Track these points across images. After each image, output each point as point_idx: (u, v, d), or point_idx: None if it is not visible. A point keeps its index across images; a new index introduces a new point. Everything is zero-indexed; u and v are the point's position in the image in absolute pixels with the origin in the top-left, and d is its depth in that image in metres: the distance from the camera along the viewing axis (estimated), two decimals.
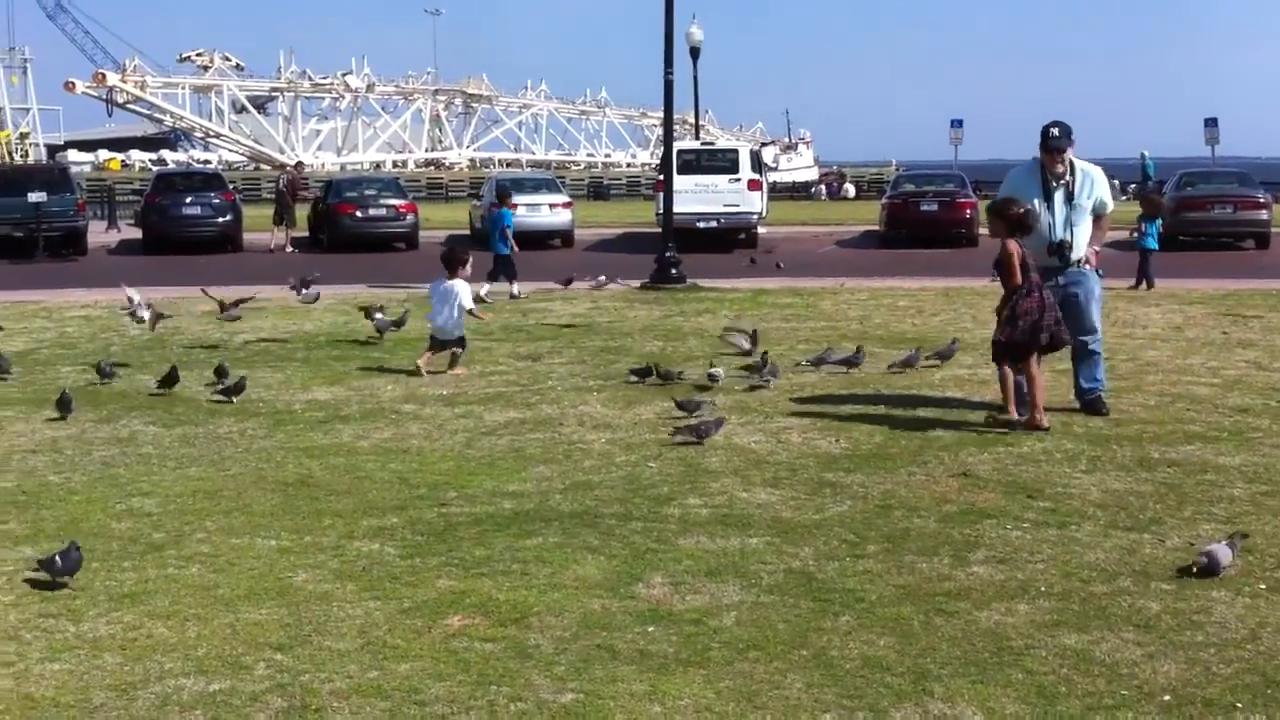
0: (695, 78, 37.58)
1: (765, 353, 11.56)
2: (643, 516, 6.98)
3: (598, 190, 53.03)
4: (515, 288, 18.67)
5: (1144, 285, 18.70)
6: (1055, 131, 9.40)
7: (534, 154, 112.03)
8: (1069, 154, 9.48)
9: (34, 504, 7.38)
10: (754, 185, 28.57)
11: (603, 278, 19.24)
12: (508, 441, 8.93)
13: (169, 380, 10.83)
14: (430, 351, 11.98)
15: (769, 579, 5.93)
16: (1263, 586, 5.69)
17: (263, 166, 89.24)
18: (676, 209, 27.29)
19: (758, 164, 30.34)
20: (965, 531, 6.61)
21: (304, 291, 15.66)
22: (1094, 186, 9.49)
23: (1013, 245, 8.95)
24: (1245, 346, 12.75)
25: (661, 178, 28.50)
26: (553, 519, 6.95)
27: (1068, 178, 9.43)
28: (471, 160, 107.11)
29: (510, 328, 15.03)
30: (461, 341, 12.11)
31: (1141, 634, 5.18)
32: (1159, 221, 20.33)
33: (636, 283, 19.70)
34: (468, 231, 33.78)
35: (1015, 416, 8.99)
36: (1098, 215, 9.53)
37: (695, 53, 35.77)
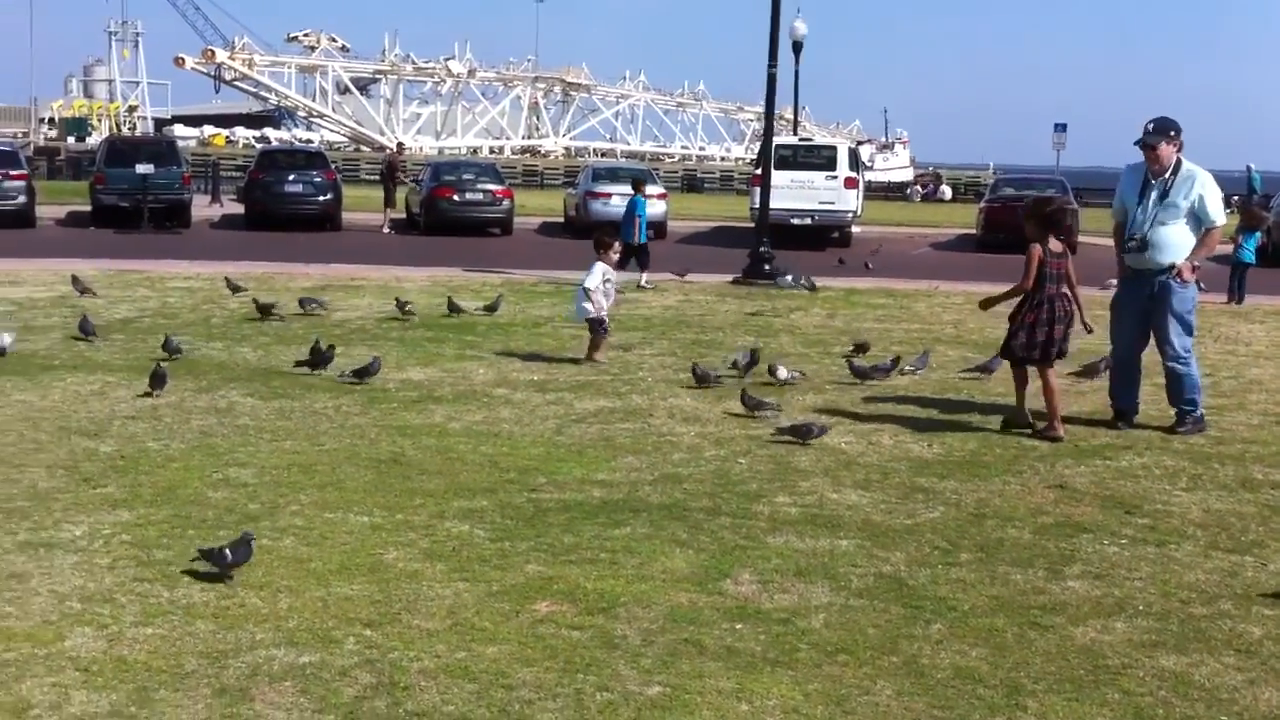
0: (796, 73, 37.40)
1: (897, 357, 11.49)
2: (731, 512, 6.95)
3: (692, 183, 52.96)
4: (644, 277, 18.91)
5: (1236, 299, 18.22)
6: (1150, 127, 9.17)
7: (629, 144, 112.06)
8: (1166, 151, 9.12)
9: (132, 469, 7.52)
10: (850, 183, 28.33)
11: (789, 277, 18.83)
12: (597, 430, 8.93)
13: (318, 360, 10.70)
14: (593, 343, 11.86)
15: (859, 582, 5.87)
16: None
17: (362, 148, 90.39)
18: (772, 205, 27.20)
19: (855, 162, 30.08)
20: (1061, 545, 6.49)
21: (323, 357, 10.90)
22: (1193, 188, 9.10)
23: (1037, 249, 8.82)
24: None
25: (758, 172, 28.43)
26: (641, 510, 6.94)
27: (1167, 176, 9.16)
28: (566, 149, 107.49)
29: None
30: (596, 326, 11.85)
31: (1243, 659, 5.04)
32: (1258, 235, 19.83)
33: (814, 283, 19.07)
34: (561, 219, 33.92)
35: (1061, 432, 8.88)
36: (1206, 229, 9.18)
37: (798, 48, 35.57)
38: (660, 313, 15.64)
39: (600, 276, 11.89)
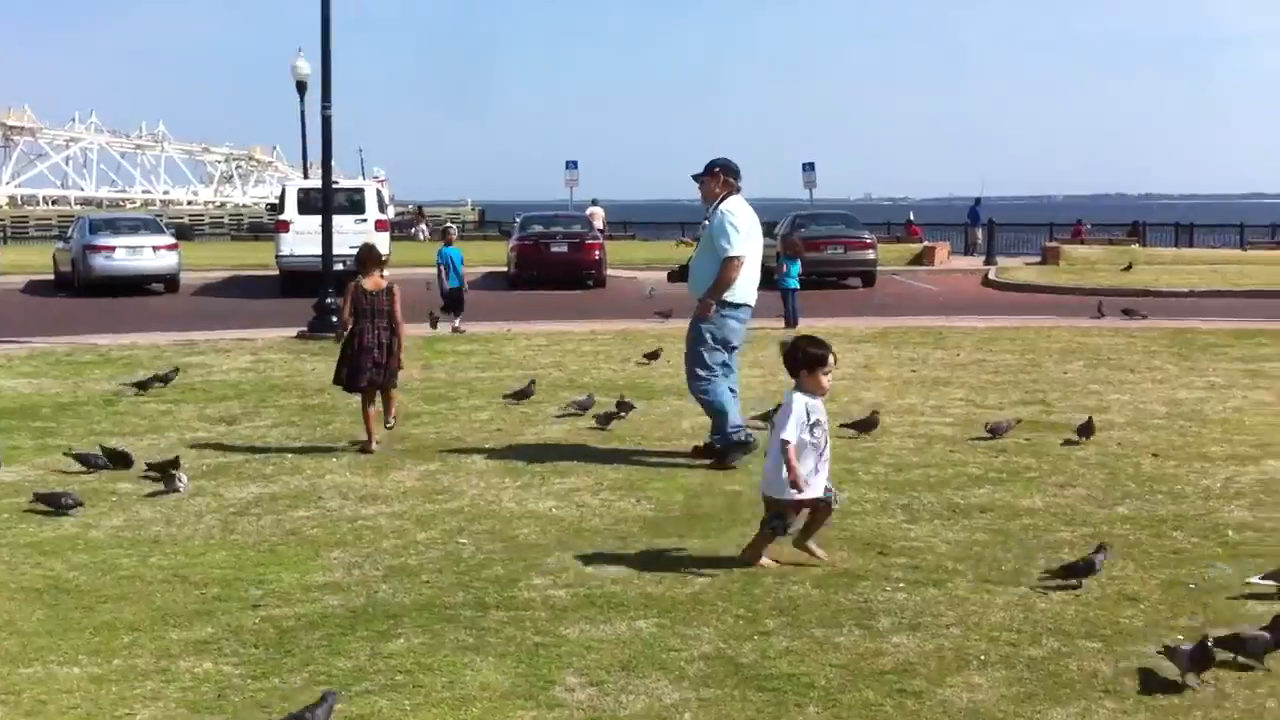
0: (303, 113, 35.77)
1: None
2: (499, 604, 6.23)
3: (181, 231, 49.89)
4: (458, 321, 19.43)
5: (790, 323, 19.33)
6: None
7: (84, 190, 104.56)
8: (706, 186, 9.46)
9: None
10: (381, 226, 27.57)
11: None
12: (271, 522, 7.86)
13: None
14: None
15: (692, 669, 5.37)
16: (1180, 637, 5.62)
17: None
18: (298, 251, 26.08)
19: (382, 204, 29.35)
20: (850, 596, 6.30)
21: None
22: (713, 222, 9.32)
23: (352, 286, 10.14)
24: (944, 385, 13.27)
25: (281, 218, 27.15)
26: (399, 614, 6.08)
27: (709, 211, 9.46)
28: (12, 198, 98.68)
29: (181, 386, 13.49)
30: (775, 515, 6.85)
31: (1119, 701, 5.00)
32: (799, 262, 21.17)
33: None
34: (51, 276, 30.77)
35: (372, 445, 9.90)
36: (721, 260, 9.24)
37: (302, 87, 34.15)
38: (241, 376, 14.27)
39: (803, 416, 6.65)
